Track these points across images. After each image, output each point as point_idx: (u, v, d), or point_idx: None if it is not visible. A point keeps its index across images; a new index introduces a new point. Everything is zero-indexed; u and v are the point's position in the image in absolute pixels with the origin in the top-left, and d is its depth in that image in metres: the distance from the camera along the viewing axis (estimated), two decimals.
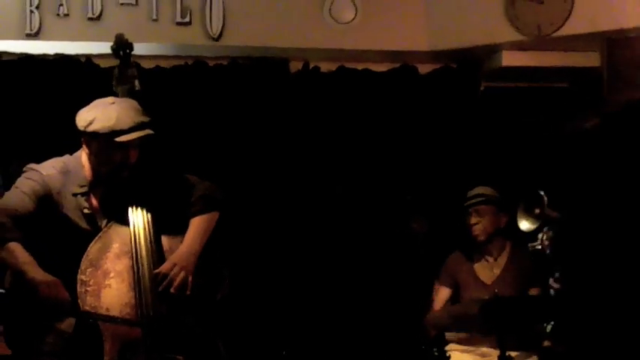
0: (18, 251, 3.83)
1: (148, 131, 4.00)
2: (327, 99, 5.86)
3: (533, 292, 4.99)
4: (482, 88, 6.15)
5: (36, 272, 3.80)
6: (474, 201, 5.46)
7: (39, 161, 4.14)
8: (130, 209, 4.09)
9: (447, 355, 4.58)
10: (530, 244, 3.71)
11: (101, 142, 3.97)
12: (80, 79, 5.46)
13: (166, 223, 4.15)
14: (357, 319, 1.20)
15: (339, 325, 1.18)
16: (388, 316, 1.22)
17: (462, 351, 5.15)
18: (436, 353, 4.50)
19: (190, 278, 4.02)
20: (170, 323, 3.96)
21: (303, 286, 1.25)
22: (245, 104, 5.71)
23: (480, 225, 5.40)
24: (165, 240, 4.14)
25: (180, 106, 5.58)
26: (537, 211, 3.57)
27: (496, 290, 4.70)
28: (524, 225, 3.60)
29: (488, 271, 5.44)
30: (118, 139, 3.91)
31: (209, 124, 5.62)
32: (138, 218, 4.09)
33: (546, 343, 4.53)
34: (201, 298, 4.10)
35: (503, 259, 5.42)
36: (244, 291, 4.78)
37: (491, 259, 5.44)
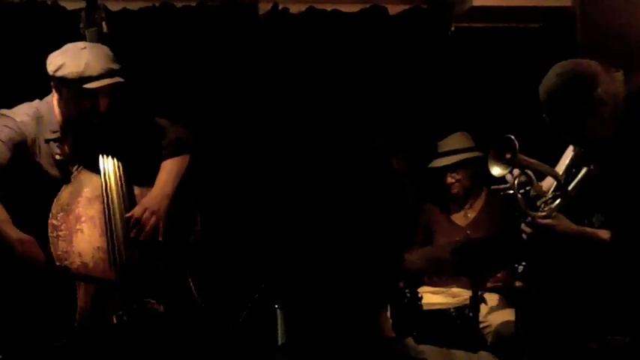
0: None
1: (118, 79, 3.96)
2: (297, 40, 5.81)
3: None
4: (452, 29, 6.11)
5: (10, 230, 3.78)
6: (448, 163, 5.43)
7: (6, 107, 4.09)
8: (100, 157, 4.07)
9: (420, 295, 4.60)
10: (500, 189, 3.70)
11: (70, 88, 3.93)
12: (47, 22, 5.38)
13: (137, 172, 4.13)
14: (334, 258, 1.20)
15: (317, 264, 1.18)
16: (372, 258, 1.23)
17: (433, 292, 5.19)
18: (408, 294, 4.52)
19: (162, 223, 4.02)
20: (143, 268, 3.97)
21: (277, 227, 1.25)
22: (214, 46, 5.65)
23: (457, 184, 5.36)
24: (136, 189, 4.14)
25: (149, 49, 5.51)
26: (508, 156, 3.54)
27: (468, 232, 4.72)
28: (496, 170, 3.57)
29: (462, 215, 5.44)
30: (86, 86, 3.88)
31: (177, 66, 5.57)
32: (108, 165, 4.08)
33: (518, 284, 4.56)
34: (174, 242, 4.10)
35: (478, 205, 5.42)
36: (217, 234, 4.78)
37: (467, 207, 5.44)
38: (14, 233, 3.77)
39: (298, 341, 1.45)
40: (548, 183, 3.72)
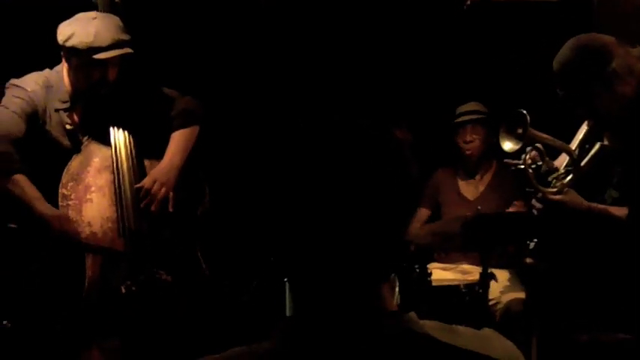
0: (25, 184, 3.84)
1: (127, 50, 3.95)
2: (311, 15, 5.78)
3: (518, 205, 5.02)
4: (469, 3, 6.05)
5: (45, 207, 3.82)
6: (472, 117, 5.40)
7: (18, 75, 4.09)
8: (111, 128, 4.07)
9: (429, 271, 4.59)
10: (511, 165, 3.66)
11: (79, 58, 3.92)
12: None
13: (147, 143, 4.13)
14: (341, 231, 1.19)
15: (323, 237, 1.17)
16: (373, 232, 1.22)
17: (443, 268, 5.18)
18: (417, 270, 4.51)
19: (171, 194, 4.02)
20: (151, 239, 3.97)
21: (285, 199, 1.24)
22: (225, 18, 5.62)
23: (475, 142, 5.35)
24: (146, 160, 4.14)
25: (160, 19, 5.48)
26: (520, 130, 3.50)
27: (479, 207, 4.70)
28: (507, 145, 3.53)
29: (472, 187, 5.43)
30: (95, 56, 3.86)
31: (188, 37, 5.55)
32: (119, 136, 4.08)
33: (528, 261, 4.54)
34: (182, 213, 4.10)
35: (488, 177, 5.42)
36: (225, 205, 4.78)
37: (477, 177, 5.43)
38: (49, 210, 3.82)
39: (301, 314, 1.44)
40: (563, 160, 3.69)
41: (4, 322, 3.95)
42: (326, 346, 1.38)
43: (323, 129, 1.42)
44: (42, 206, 3.82)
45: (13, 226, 3.93)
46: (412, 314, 1.43)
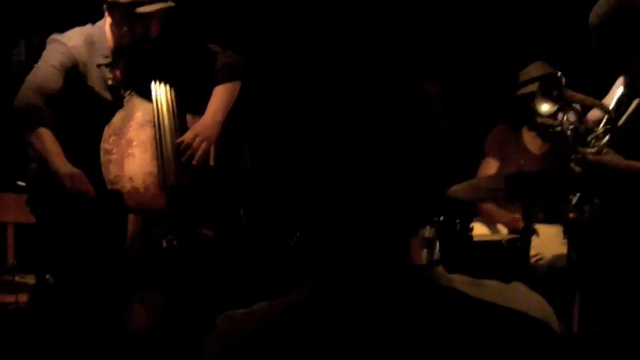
0: (47, 139, 3.83)
1: (170, 3, 3.94)
2: None
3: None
4: None
5: (61, 164, 3.79)
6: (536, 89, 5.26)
7: (62, 31, 4.10)
8: (152, 83, 4.07)
9: (470, 226, 4.54)
10: (550, 126, 3.62)
11: (122, 12, 3.92)
12: None
13: (189, 98, 4.13)
14: (365, 181, 1.19)
15: (348, 188, 1.18)
16: (398, 183, 1.21)
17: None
18: (458, 225, 4.47)
19: (212, 149, 4.02)
20: (193, 194, 3.98)
21: (322, 155, 1.24)
22: None
23: None
24: (187, 115, 4.14)
25: None
26: (555, 92, 3.47)
27: (522, 161, 4.62)
28: (544, 108, 3.50)
29: (538, 141, 5.31)
30: (138, 10, 3.86)
31: None
32: (161, 91, 4.08)
33: (572, 215, 4.48)
34: (224, 168, 4.11)
35: None
36: (266, 161, 4.78)
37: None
38: (63, 167, 3.79)
39: (327, 268, 1.43)
40: (594, 114, 3.64)
41: (47, 277, 4.01)
42: (351, 300, 1.37)
43: (348, 79, 1.41)
44: (59, 162, 3.80)
45: (21, 184, 3.95)
46: (440, 268, 1.42)
